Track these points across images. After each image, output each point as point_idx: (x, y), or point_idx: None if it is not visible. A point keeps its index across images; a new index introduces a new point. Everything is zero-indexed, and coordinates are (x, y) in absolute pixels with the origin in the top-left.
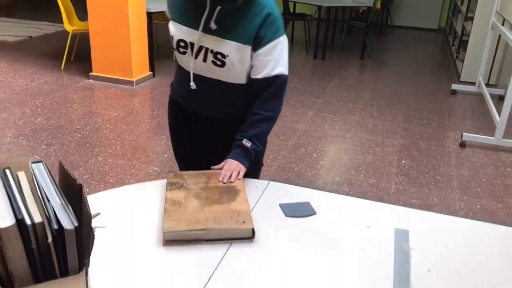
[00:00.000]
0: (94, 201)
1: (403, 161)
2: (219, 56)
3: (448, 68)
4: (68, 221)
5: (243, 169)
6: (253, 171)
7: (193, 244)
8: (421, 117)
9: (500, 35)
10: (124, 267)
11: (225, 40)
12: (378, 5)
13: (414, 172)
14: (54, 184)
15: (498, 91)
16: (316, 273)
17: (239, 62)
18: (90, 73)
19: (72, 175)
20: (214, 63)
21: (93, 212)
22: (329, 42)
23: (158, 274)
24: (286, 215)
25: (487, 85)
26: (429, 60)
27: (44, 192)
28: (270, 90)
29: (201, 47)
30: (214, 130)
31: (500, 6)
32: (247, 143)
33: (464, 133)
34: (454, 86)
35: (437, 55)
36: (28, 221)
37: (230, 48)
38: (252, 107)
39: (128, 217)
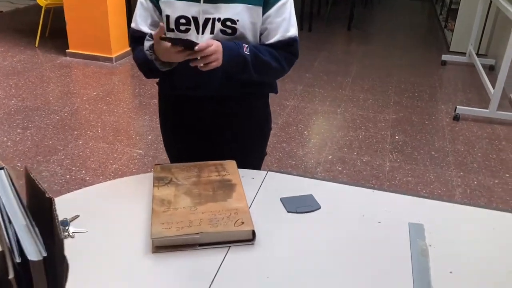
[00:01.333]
0: (72, 201)
1: (397, 137)
2: (228, 23)
3: (437, 38)
4: (34, 250)
5: (217, 63)
6: (256, 161)
7: (187, 250)
8: (412, 90)
9: (491, 2)
10: (108, 278)
11: (233, 4)
12: None
13: (409, 148)
14: (18, 199)
15: (488, 61)
16: (325, 277)
17: (250, 26)
18: (67, 50)
19: (40, 186)
20: (223, 32)
21: (71, 214)
22: (314, 12)
23: (148, 286)
24: (288, 211)
25: (477, 54)
26: (417, 30)
27: (5, 210)
28: (285, 53)
29: (207, 19)
30: (224, 114)
31: None
32: (246, 49)
33: (457, 106)
34: (444, 57)
35: (425, 25)
36: None
37: (240, 11)
38: None
39: (111, 219)
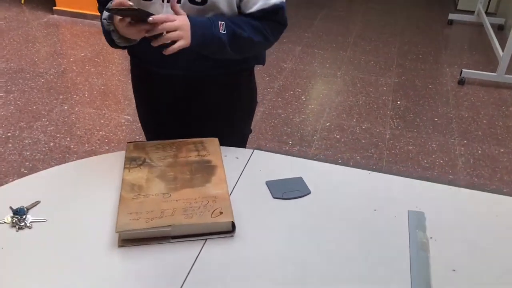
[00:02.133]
0: (33, 184)
1: (398, 102)
2: None
3: None
4: None
5: (182, 42)
6: (240, 138)
7: (157, 243)
8: (416, 51)
9: None
10: (68, 275)
11: None
12: None
13: (411, 114)
14: None
15: (498, 20)
16: (313, 273)
17: None
18: (54, 8)
19: None
20: (191, 1)
21: (31, 200)
22: None
23: (113, 284)
24: (274, 197)
25: (486, 13)
26: None
27: None
28: (270, 23)
29: None
30: (200, 92)
31: None
32: (221, 27)
33: (463, 69)
34: (451, 16)
35: None
36: None
37: None
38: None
39: (74, 206)
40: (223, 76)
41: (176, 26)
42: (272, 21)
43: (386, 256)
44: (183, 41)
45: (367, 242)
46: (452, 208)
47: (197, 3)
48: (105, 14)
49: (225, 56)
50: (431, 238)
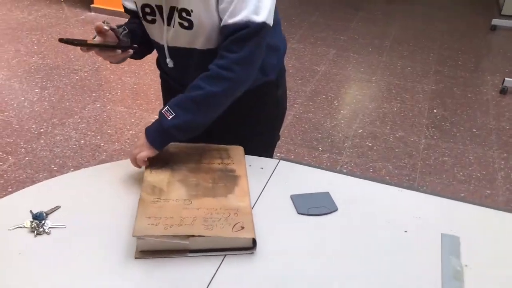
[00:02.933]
0: (54, 188)
1: (435, 110)
2: (184, 14)
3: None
4: None
5: (145, 153)
6: (264, 148)
7: (175, 256)
8: (455, 58)
9: None
10: (83, 285)
11: None
12: None
13: (447, 123)
14: None
15: None
16: None
17: (206, 16)
18: (91, 5)
19: None
20: (181, 25)
21: (52, 204)
22: None
23: None
24: (299, 212)
25: None
26: None
27: None
28: (229, 41)
29: (172, 9)
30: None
31: None
32: (167, 113)
33: (506, 78)
34: (495, 21)
35: None
36: None
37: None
38: None
39: (94, 212)
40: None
41: (133, 153)
42: (233, 40)
43: (416, 283)
44: (145, 152)
45: (395, 267)
46: (491, 232)
47: (186, 27)
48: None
49: (211, 117)
50: (466, 266)
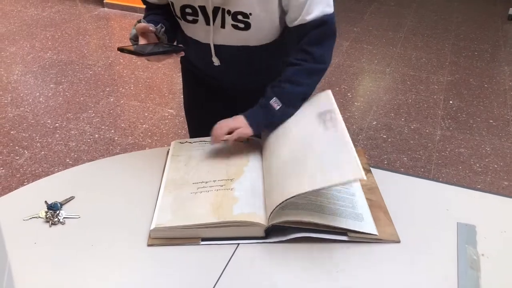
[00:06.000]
0: (68, 179)
1: (451, 102)
2: (239, 17)
3: None
4: None
5: (244, 132)
6: None
7: (187, 244)
8: (471, 48)
9: None
10: (98, 273)
11: None
12: None
13: (463, 114)
14: None
15: None
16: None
17: (266, 17)
18: (105, 1)
19: None
20: (235, 27)
21: (66, 195)
22: None
23: (143, 283)
24: None
25: None
26: None
27: None
28: (310, 38)
29: (216, 9)
30: (239, 101)
31: None
32: (275, 104)
33: None
34: None
35: None
36: None
37: (252, 2)
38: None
39: (108, 203)
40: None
41: (229, 125)
42: (314, 35)
43: (431, 273)
44: (248, 130)
45: (411, 256)
46: (508, 221)
47: (241, 29)
48: (132, 33)
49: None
50: (482, 255)
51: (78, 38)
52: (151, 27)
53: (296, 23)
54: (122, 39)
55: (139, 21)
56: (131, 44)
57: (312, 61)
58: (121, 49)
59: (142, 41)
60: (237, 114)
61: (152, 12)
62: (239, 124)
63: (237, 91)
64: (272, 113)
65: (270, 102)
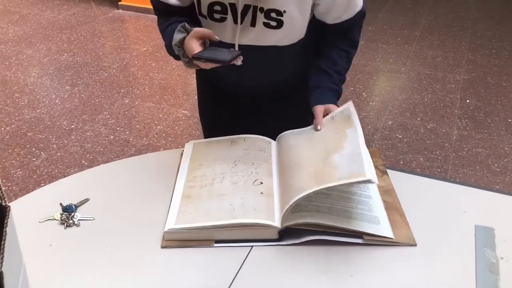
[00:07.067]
0: (83, 182)
1: (468, 101)
2: (273, 15)
3: None
4: None
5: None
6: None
7: (200, 246)
8: (489, 46)
9: None
10: (112, 275)
11: None
12: None
13: (481, 114)
14: None
15: None
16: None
17: (299, 16)
18: (119, 3)
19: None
20: (267, 25)
21: (81, 197)
22: None
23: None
24: None
25: None
26: None
27: None
28: (355, 27)
29: (246, 7)
30: (258, 105)
31: None
32: (338, 85)
33: None
34: None
35: None
36: None
37: (288, 0)
38: (328, 41)
39: (122, 205)
40: (290, 89)
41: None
42: (356, 27)
43: (448, 277)
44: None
45: (427, 259)
46: None
47: (272, 27)
48: (177, 38)
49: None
50: (501, 258)
51: (93, 40)
52: (215, 35)
53: (344, 18)
54: (137, 40)
55: (183, 27)
56: (177, 50)
57: (355, 48)
58: (196, 58)
59: (195, 47)
60: (249, 117)
61: (174, 20)
62: (335, 108)
63: (250, 94)
64: (339, 94)
65: (338, 88)
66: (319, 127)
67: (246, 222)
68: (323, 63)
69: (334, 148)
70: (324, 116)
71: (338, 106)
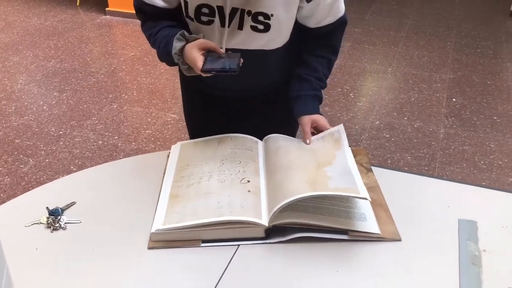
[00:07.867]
0: (69, 185)
1: (454, 99)
2: (260, 18)
3: None
4: None
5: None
6: (291, 128)
7: (187, 247)
8: (474, 45)
9: None
10: (99, 278)
11: None
12: None
13: (467, 112)
14: None
15: None
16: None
17: (286, 19)
18: (106, 9)
19: None
20: (254, 28)
21: (67, 200)
22: None
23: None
24: None
25: None
26: None
27: None
28: (336, 33)
29: (234, 10)
30: (245, 108)
31: None
32: (318, 92)
33: None
34: None
35: None
36: None
37: (275, 3)
38: (309, 48)
39: (109, 208)
40: (275, 93)
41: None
42: (338, 32)
43: (433, 270)
44: (324, 122)
45: (412, 253)
46: (509, 216)
47: (259, 30)
48: (177, 47)
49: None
50: (484, 250)
51: (81, 46)
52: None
53: (326, 22)
54: (124, 45)
55: (183, 35)
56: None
57: (335, 55)
58: (208, 71)
59: (197, 58)
60: (236, 121)
61: (164, 24)
62: (322, 119)
63: (236, 98)
64: (320, 99)
65: (319, 93)
66: (308, 142)
67: (233, 220)
68: (303, 72)
69: (324, 162)
70: (311, 126)
71: (322, 114)
